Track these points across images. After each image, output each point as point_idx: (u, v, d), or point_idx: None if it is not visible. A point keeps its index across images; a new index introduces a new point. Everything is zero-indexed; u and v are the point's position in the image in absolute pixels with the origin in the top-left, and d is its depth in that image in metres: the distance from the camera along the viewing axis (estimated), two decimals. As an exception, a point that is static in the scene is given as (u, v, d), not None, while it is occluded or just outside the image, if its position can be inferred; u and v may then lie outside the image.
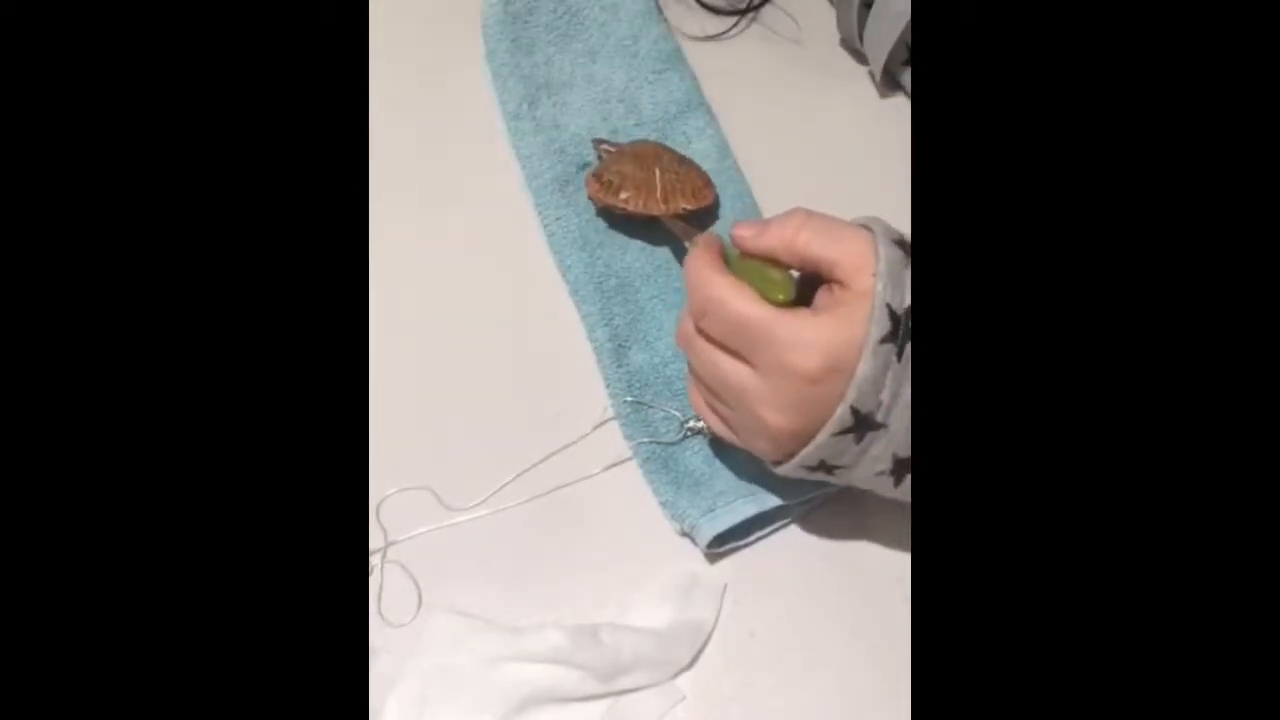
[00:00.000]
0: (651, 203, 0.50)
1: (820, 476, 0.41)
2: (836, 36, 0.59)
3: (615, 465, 0.48)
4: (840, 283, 0.38)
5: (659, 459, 0.47)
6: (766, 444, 0.41)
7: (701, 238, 0.44)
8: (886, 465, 0.39)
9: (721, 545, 0.46)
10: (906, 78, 0.57)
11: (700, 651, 0.44)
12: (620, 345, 0.50)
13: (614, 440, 0.49)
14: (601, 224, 0.53)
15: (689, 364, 0.44)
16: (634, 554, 0.47)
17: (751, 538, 0.46)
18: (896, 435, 0.38)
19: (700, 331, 0.41)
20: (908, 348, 0.37)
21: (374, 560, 0.46)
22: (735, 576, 0.46)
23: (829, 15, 0.59)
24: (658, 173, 0.51)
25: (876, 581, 0.46)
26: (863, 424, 0.38)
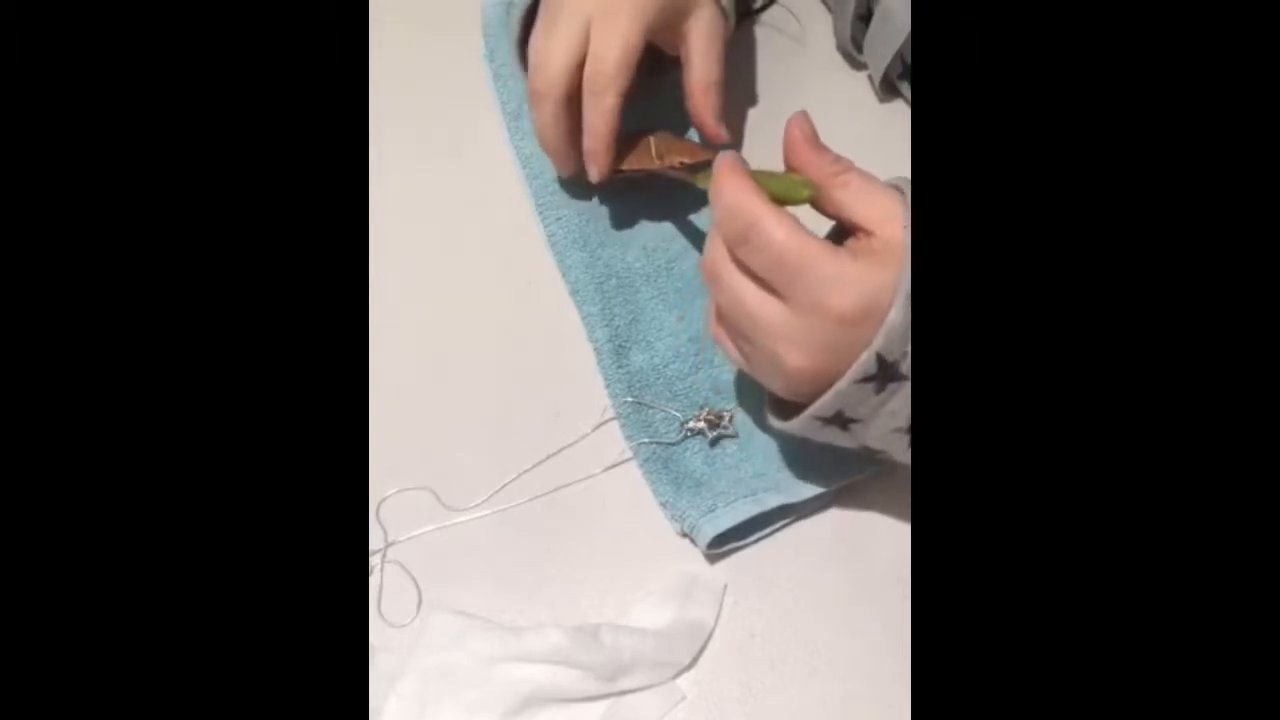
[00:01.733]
0: (646, 159, 0.50)
1: (832, 433, 0.41)
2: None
3: (615, 465, 0.48)
4: (867, 232, 0.38)
5: (659, 459, 0.47)
6: (780, 383, 0.40)
7: (724, 156, 0.41)
8: (904, 421, 0.39)
9: (721, 545, 0.46)
10: (905, 86, 0.57)
11: (700, 652, 0.44)
12: (620, 346, 0.50)
13: (614, 440, 0.49)
14: (602, 224, 0.53)
15: (712, 294, 0.42)
16: (634, 554, 0.47)
17: (752, 538, 0.46)
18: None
19: (734, 261, 0.39)
20: None
21: (374, 560, 0.46)
22: (735, 576, 0.46)
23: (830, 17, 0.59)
24: (651, 140, 0.51)
25: (876, 581, 0.46)
26: (886, 373, 0.37)
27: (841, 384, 0.38)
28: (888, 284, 0.36)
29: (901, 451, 0.40)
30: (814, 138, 0.40)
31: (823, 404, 0.39)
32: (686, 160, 0.50)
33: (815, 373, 0.38)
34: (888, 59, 0.54)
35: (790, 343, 0.38)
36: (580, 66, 0.47)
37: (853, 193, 0.39)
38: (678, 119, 0.53)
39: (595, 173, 0.49)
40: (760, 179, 0.40)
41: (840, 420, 0.40)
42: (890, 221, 0.37)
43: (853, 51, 0.57)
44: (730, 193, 0.39)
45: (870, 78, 0.57)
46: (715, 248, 0.40)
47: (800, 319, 0.38)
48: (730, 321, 0.41)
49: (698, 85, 0.50)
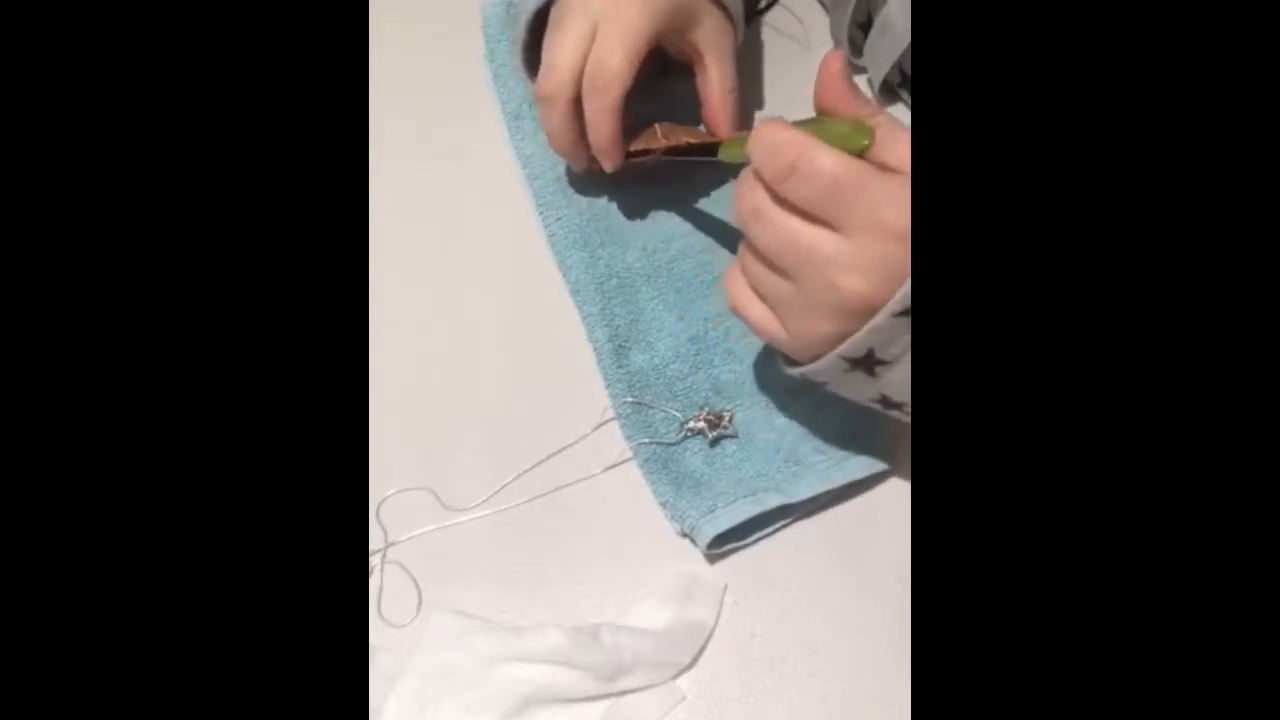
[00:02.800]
0: (652, 140, 0.50)
1: (856, 380, 0.40)
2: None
3: (615, 466, 0.48)
4: (900, 173, 0.38)
5: (659, 459, 0.47)
6: (831, 321, 0.39)
7: (765, 121, 0.40)
8: None
9: (721, 545, 0.46)
10: (905, 93, 0.57)
11: (700, 652, 0.44)
12: (621, 346, 0.50)
13: (614, 440, 0.49)
14: (602, 224, 0.53)
15: (741, 248, 0.42)
16: (634, 554, 0.47)
17: (752, 538, 0.46)
18: None
19: (776, 200, 0.39)
20: None
21: (374, 560, 0.46)
22: (735, 577, 0.46)
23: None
24: (657, 126, 0.51)
25: (877, 582, 0.46)
26: None
27: (879, 318, 0.37)
28: None
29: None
30: (850, 77, 0.40)
31: (855, 341, 0.38)
32: (693, 141, 0.50)
33: (870, 298, 0.37)
34: (886, 68, 0.54)
35: (847, 269, 0.37)
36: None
37: (883, 135, 0.39)
38: (683, 118, 0.53)
39: (609, 165, 0.49)
40: (809, 127, 0.39)
41: (869, 362, 0.39)
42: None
43: (850, 57, 0.57)
44: (770, 132, 0.39)
45: (870, 81, 0.57)
46: (753, 192, 0.40)
47: (856, 242, 0.37)
48: (776, 263, 0.40)
49: (714, 92, 0.50)
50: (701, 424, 0.48)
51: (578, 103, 0.48)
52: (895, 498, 0.47)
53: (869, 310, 0.38)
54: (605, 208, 0.53)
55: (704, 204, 0.54)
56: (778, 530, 0.47)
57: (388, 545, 0.47)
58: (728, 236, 0.53)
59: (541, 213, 0.54)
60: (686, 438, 0.48)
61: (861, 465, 0.47)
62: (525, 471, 0.48)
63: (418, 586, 0.46)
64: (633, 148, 0.50)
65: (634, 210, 0.53)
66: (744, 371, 0.50)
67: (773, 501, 0.46)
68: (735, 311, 0.43)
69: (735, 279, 0.42)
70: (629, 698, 0.43)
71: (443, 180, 0.56)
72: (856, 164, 0.37)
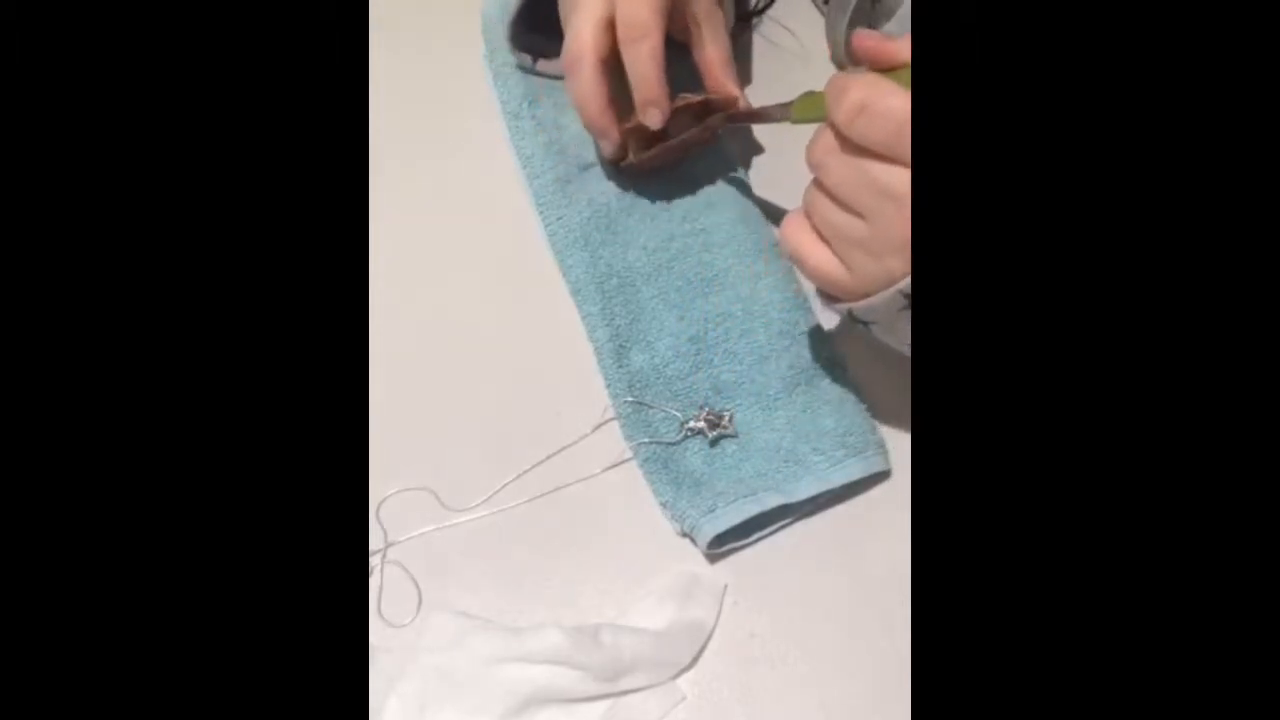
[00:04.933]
0: (680, 102, 0.49)
1: (909, 318, 0.41)
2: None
3: (615, 465, 0.48)
4: None
5: (659, 459, 0.47)
6: (901, 258, 0.39)
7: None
8: None
9: (721, 545, 0.46)
10: None
11: (700, 652, 0.44)
12: (621, 345, 0.50)
13: (614, 440, 0.49)
14: (602, 224, 0.53)
15: (807, 193, 0.42)
16: (634, 554, 0.47)
17: (751, 538, 0.46)
18: None
19: (845, 143, 0.39)
20: None
21: (374, 560, 0.46)
22: (735, 577, 0.46)
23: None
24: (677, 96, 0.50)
25: (876, 581, 0.46)
26: None
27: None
28: None
29: None
30: (881, 36, 0.40)
31: (887, 295, 0.39)
32: (698, 96, 0.49)
33: None
34: None
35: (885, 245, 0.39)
36: (610, 27, 0.48)
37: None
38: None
39: (657, 116, 0.48)
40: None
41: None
42: None
43: (846, 63, 0.57)
44: (839, 79, 0.39)
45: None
46: (826, 135, 0.40)
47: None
48: (846, 203, 0.40)
49: (715, 61, 0.51)
50: (701, 424, 0.48)
51: (604, 65, 0.48)
52: (895, 498, 0.47)
53: None
54: (605, 207, 0.53)
55: (704, 203, 0.54)
56: (777, 530, 0.47)
57: (388, 545, 0.47)
58: (728, 235, 0.53)
59: (541, 213, 0.54)
60: (686, 438, 0.48)
61: (861, 465, 0.47)
62: (525, 471, 0.48)
63: (418, 586, 0.46)
64: (676, 104, 0.49)
65: (634, 210, 0.53)
66: (744, 371, 0.50)
67: (772, 501, 0.46)
68: (793, 257, 0.43)
69: (797, 223, 0.43)
70: (629, 698, 0.43)
71: (442, 180, 0.56)
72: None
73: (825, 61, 0.59)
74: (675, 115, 0.49)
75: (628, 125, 0.49)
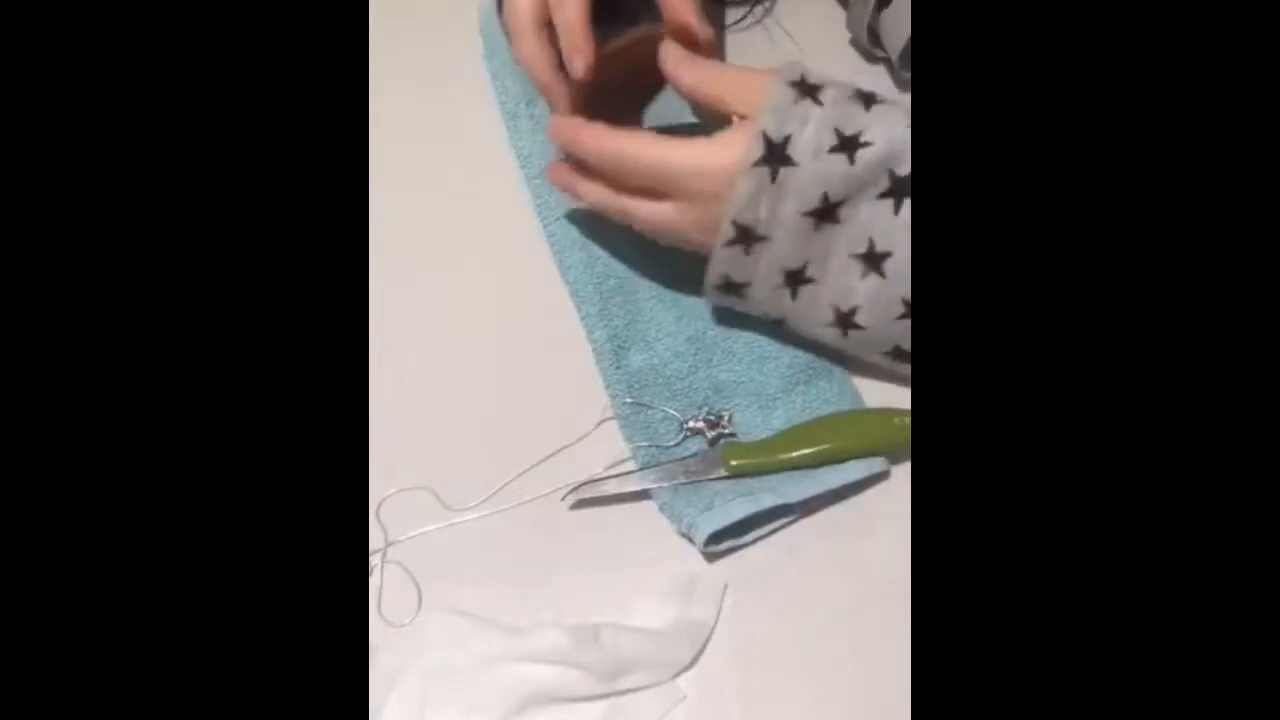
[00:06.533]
0: (620, 42, 0.49)
1: (733, 300, 0.48)
2: (841, 42, 0.59)
3: (615, 465, 0.48)
4: (741, 115, 0.44)
5: (658, 460, 0.47)
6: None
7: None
8: (779, 278, 0.46)
9: (719, 543, 0.46)
10: None
11: (700, 652, 0.44)
12: (619, 346, 0.50)
13: (614, 440, 0.49)
14: (601, 224, 0.53)
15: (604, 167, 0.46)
16: (634, 554, 0.47)
17: (750, 537, 0.46)
18: (781, 247, 0.44)
19: (624, 190, 0.46)
20: (781, 171, 0.43)
21: (374, 560, 0.46)
22: (735, 577, 0.46)
23: (833, 23, 0.59)
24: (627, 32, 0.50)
25: (876, 582, 0.46)
26: (745, 236, 0.44)
27: (716, 251, 0.45)
28: (734, 157, 0.43)
29: (790, 307, 0.47)
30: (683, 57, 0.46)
31: (710, 276, 0.46)
32: (661, 33, 0.48)
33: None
34: (904, 39, 0.54)
35: (691, 229, 0.46)
36: None
37: (714, 73, 0.46)
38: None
39: (580, 66, 0.47)
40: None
41: (732, 287, 0.47)
42: (751, 105, 0.44)
43: (865, 44, 0.57)
44: (591, 141, 0.46)
45: (889, 62, 0.56)
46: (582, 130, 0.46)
47: (683, 208, 0.45)
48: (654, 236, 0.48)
49: None
50: (701, 424, 0.48)
51: (544, 29, 0.48)
52: (895, 498, 0.47)
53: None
54: (605, 208, 0.53)
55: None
56: (777, 530, 0.47)
57: (388, 545, 0.47)
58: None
59: (540, 213, 0.54)
60: (686, 438, 0.48)
61: (859, 467, 0.47)
62: (525, 471, 0.48)
63: (418, 586, 0.46)
64: (606, 49, 0.48)
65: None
66: (743, 371, 0.50)
67: (769, 501, 0.46)
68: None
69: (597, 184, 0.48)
70: (629, 697, 0.43)
71: (441, 180, 0.56)
72: (657, 144, 0.44)
73: (826, 53, 0.59)
74: (611, 59, 0.48)
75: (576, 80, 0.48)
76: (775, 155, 0.43)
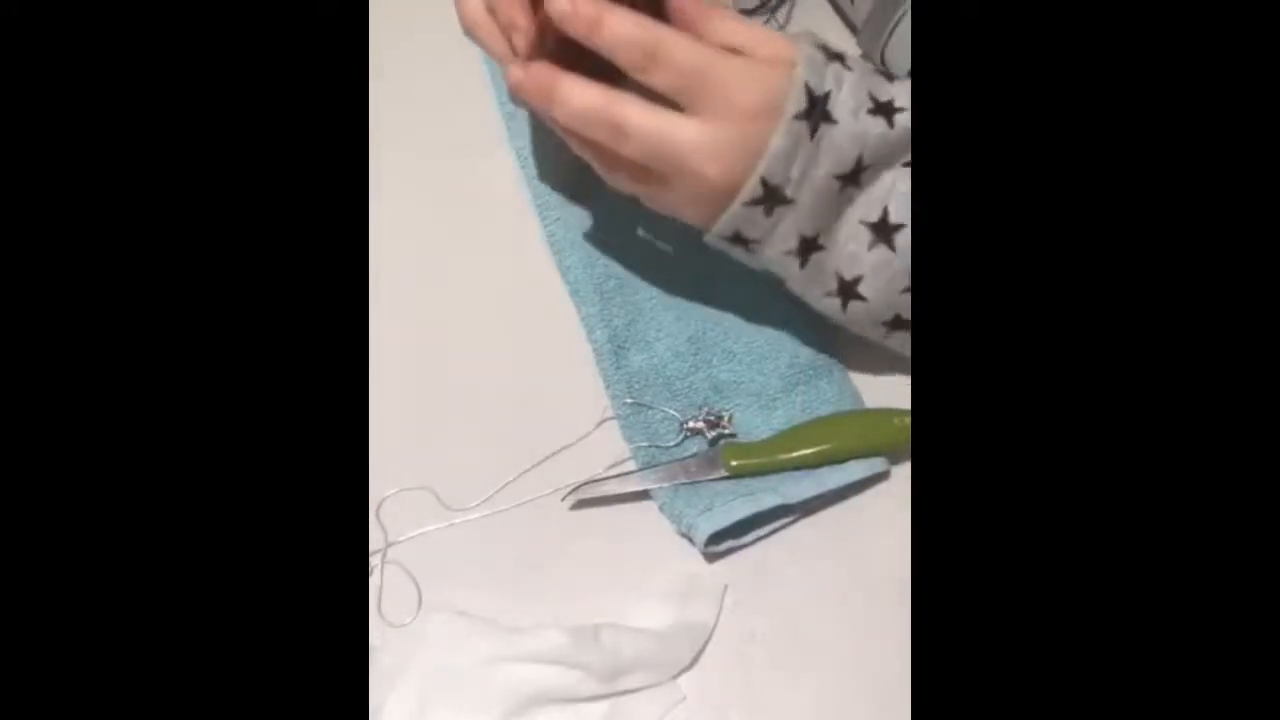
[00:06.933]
0: None
1: (739, 252, 0.45)
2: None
3: (615, 465, 0.48)
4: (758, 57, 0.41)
5: (658, 460, 0.47)
6: (695, 207, 0.43)
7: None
8: (793, 244, 0.43)
9: (719, 544, 0.46)
10: None
11: (700, 652, 0.44)
12: (619, 346, 0.50)
13: (614, 440, 0.49)
14: (601, 224, 0.53)
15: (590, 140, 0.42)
16: (634, 554, 0.47)
17: (750, 538, 0.46)
18: (803, 212, 0.42)
19: (616, 162, 0.42)
20: (820, 127, 0.40)
21: (374, 560, 0.46)
22: (735, 577, 0.46)
23: (845, 41, 0.58)
24: None
25: (876, 581, 0.46)
26: (771, 196, 0.41)
27: (734, 207, 0.42)
28: (780, 87, 0.40)
29: (794, 272, 0.44)
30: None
31: (721, 225, 0.43)
32: None
33: (727, 184, 0.41)
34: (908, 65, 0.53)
35: (709, 157, 0.40)
36: None
37: (741, 24, 0.43)
38: None
39: (519, 38, 0.44)
40: None
41: (741, 240, 0.44)
42: (774, 45, 0.41)
43: (877, 64, 0.56)
44: (631, 21, 0.39)
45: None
46: (582, 90, 0.41)
47: (714, 126, 0.40)
48: (645, 162, 0.41)
49: None
50: (701, 424, 0.48)
51: None
52: (895, 498, 0.47)
53: (727, 194, 0.42)
54: (603, 208, 0.53)
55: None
56: (777, 530, 0.47)
57: (388, 545, 0.47)
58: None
59: (541, 213, 0.54)
60: (686, 438, 0.48)
61: (859, 467, 0.47)
62: (525, 471, 0.48)
63: (418, 586, 0.46)
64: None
65: (632, 210, 0.53)
66: (743, 371, 0.50)
67: (769, 501, 0.46)
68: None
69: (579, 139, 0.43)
70: (629, 698, 0.43)
71: (442, 180, 0.56)
72: (706, 48, 0.40)
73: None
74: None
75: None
76: (817, 110, 0.40)
